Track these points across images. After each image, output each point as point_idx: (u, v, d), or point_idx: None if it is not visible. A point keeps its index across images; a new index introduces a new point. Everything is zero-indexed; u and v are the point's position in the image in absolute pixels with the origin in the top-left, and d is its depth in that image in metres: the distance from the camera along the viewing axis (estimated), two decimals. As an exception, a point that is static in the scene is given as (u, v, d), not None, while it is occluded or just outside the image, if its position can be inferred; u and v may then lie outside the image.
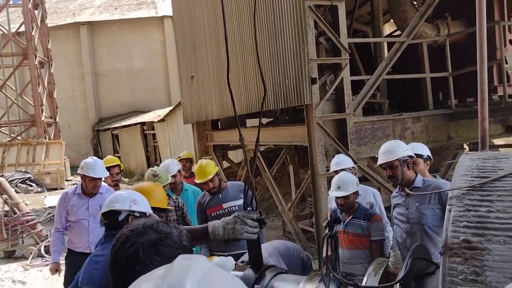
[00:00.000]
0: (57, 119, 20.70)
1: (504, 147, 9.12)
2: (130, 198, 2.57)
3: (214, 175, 4.52)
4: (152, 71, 26.38)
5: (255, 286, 2.50)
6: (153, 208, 2.86)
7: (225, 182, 4.83)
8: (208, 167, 4.56)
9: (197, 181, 4.59)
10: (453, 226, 1.60)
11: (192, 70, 10.22)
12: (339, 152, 6.06)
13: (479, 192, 1.68)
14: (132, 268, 0.92)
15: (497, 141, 9.26)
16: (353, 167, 4.80)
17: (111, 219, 2.52)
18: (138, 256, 1.25)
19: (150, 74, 26.25)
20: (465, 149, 8.69)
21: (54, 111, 20.67)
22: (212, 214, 4.43)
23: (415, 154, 3.55)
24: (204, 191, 4.72)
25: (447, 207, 1.68)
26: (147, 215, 2.64)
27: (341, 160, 4.65)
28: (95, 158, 4.76)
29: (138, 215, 2.57)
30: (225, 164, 10.97)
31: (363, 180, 5.65)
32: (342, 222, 3.85)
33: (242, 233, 2.40)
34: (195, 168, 4.76)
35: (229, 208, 4.51)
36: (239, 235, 2.39)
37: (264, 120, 10.41)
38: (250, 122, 10.18)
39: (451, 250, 1.55)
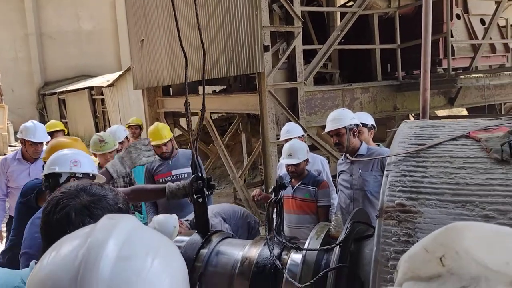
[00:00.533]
0: (-1, 82, 19.59)
1: (446, 118, 9.54)
2: (71, 159, 2.49)
3: (169, 140, 4.48)
4: (101, 34, 25.31)
5: (201, 250, 2.53)
6: None
7: (177, 149, 4.77)
8: (164, 130, 4.49)
9: (152, 143, 4.51)
10: (389, 190, 1.67)
11: (143, 34, 9.88)
12: (290, 121, 6.13)
13: (415, 159, 1.75)
14: (64, 231, 0.90)
15: (440, 112, 9.66)
16: (302, 135, 4.89)
17: (52, 181, 2.45)
18: (70, 219, 1.22)
19: (99, 37, 25.17)
20: (409, 119, 9.02)
21: (-5, 73, 19.52)
22: (161, 180, 4.37)
23: (360, 123, 3.66)
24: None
25: (385, 172, 1.75)
26: (91, 175, 2.58)
27: (291, 129, 4.71)
28: (35, 122, 4.56)
29: (80, 176, 2.50)
30: (177, 131, 10.84)
31: (312, 148, 5.76)
32: (290, 188, 3.95)
33: (141, 158, 2.60)
34: (150, 129, 4.64)
35: (178, 175, 4.45)
36: (138, 162, 2.62)
37: (217, 88, 10.32)
38: (201, 89, 10.04)
39: (387, 213, 1.62)
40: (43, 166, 3.04)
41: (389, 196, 1.65)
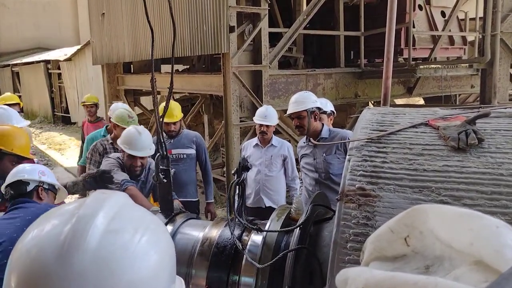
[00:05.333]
0: None
1: (404, 106, 9.80)
2: (39, 169, 2.54)
3: (180, 120, 4.56)
4: (58, 5, 24.23)
5: (163, 231, 2.52)
6: (14, 155, 2.80)
7: (183, 129, 4.74)
8: (176, 109, 4.54)
9: (165, 120, 4.41)
10: (350, 174, 1.70)
11: (104, 7, 9.55)
12: (254, 104, 6.12)
13: (376, 144, 1.79)
14: None
15: (399, 101, 9.92)
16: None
17: (17, 189, 2.44)
18: None
19: (56, 8, 24.11)
20: (370, 106, 9.22)
21: None
22: None
23: None
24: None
25: (347, 157, 1.78)
26: (56, 188, 2.59)
27: (270, 115, 4.44)
28: None
29: (47, 187, 2.52)
30: (137, 110, 10.62)
31: (275, 132, 5.80)
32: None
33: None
34: (162, 106, 4.55)
35: (177, 155, 4.51)
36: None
37: (180, 67, 10.14)
38: (165, 67, 9.86)
39: (347, 196, 1.66)
40: None
41: (350, 180, 1.68)
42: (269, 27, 6.33)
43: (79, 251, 0.66)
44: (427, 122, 1.87)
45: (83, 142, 5.89)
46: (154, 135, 5.99)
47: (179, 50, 7.00)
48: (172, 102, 4.65)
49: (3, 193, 2.51)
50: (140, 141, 3.60)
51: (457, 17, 8.47)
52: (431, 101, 9.02)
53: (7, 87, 21.96)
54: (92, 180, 2.69)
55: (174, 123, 4.49)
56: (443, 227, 0.45)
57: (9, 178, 2.48)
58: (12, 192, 2.45)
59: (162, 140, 2.66)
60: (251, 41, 6.18)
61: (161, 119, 2.67)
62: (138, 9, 7.91)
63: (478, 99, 7.90)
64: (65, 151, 13.22)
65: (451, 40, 8.54)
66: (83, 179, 2.70)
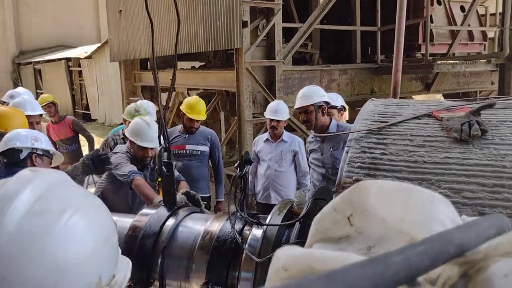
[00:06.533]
0: (-29, 48, 18.93)
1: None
2: (31, 136, 2.48)
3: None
4: (80, 3, 24.58)
5: (166, 224, 2.51)
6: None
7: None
8: (203, 108, 4.60)
9: (189, 115, 4.47)
10: (348, 166, 1.66)
11: (121, 4, 9.63)
12: (267, 100, 6.08)
13: (376, 136, 1.74)
14: None
15: (417, 98, 9.74)
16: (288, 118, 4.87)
17: (11, 157, 2.40)
18: None
19: (78, 7, 24.45)
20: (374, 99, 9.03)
21: (-33, 39, 18.85)
22: (174, 152, 4.37)
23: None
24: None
25: (345, 148, 1.73)
26: (51, 153, 2.56)
27: (281, 110, 4.42)
28: (24, 88, 4.43)
29: (41, 153, 2.48)
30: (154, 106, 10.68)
31: (289, 129, 5.74)
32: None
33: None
34: (190, 100, 4.61)
35: (191, 151, 4.51)
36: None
37: (196, 64, 10.16)
38: (182, 64, 9.90)
39: (343, 189, 1.61)
40: None
41: (348, 172, 1.64)
42: (284, 21, 6.28)
43: None
44: (431, 113, 1.81)
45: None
46: (169, 127, 6.02)
47: (193, 46, 7.00)
48: (200, 100, 4.68)
49: None
50: (149, 132, 3.61)
51: (477, 11, 8.27)
52: (451, 98, 8.83)
53: (30, 84, 22.40)
54: (90, 162, 2.67)
55: (198, 121, 4.50)
56: (381, 203, 0.41)
57: (2, 146, 2.45)
58: (5, 160, 2.41)
59: (165, 133, 2.66)
60: (265, 36, 6.14)
61: (164, 110, 2.67)
62: (154, 5, 7.94)
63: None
64: (84, 148, 13.38)
65: (471, 36, 8.33)
66: (82, 162, 2.70)
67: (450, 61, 7.03)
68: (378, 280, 0.25)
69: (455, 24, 8.07)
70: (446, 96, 9.60)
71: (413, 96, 8.96)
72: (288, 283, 0.23)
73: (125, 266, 0.76)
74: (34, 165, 2.42)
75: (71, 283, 0.63)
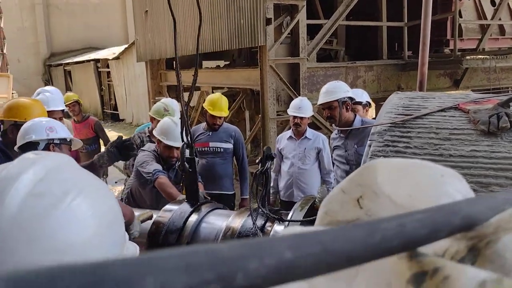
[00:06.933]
0: (5, 51, 19.51)
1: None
2: (46, 126, 2.47)
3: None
4: (108, 6, 25.04)
5: (189, 219, 2.52)
6: None
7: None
8: (226, 105, 4.62)
9: (211, 112, 4.50)
10: (370, 160, 1.62)
11: (147, 5, 9.75)
12: (291, 97, 6.04)
13: (400, 129, 1.69)
14: None
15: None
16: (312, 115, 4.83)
17: (29, 150, 2.41)
18: None
19: (106, 9, 24.93)
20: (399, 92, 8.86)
21: (2, 42, 19.44)
22: (198, 149, 4.40)
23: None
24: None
25: (368, 142, 1.69)
26: (68, 140, 2.56)
27: (305, 107, 4.37)
28: (57, 90, 4.49)
29: (58, 142, 2.49)
30: (180, 106, 10.77)
31: (314, 128, 5.69)
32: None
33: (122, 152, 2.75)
34: (213, 98, 4.62)
35: (214, 148, 4.53)
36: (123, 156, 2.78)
37: (221, 63, 10.20)
38: (207, 63, 9.95)
39: (365, 183, 1.57)
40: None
41: (370, 166, 1.60)
42: (309, 18, 6.23)
43: None
44: (457, 105, 1.75)
45: None
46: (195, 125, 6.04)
47: (217, 45, 7.03)
48: (222, 97, 4.67)
49: None
50: (176, 132, 3.62)
51: (508, 5, 8.02)
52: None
53: (60, 85, 22.95)
54: (115, 149, 2.68)
55: (220, 117, 4.51)
56: (389, 181, 0.39)
57: (19, 140, 2.44)
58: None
59: (187, 130, 2.66)
60: (289, 33, 6.10)
61: (186, 107, 2.68)
62: (179, 5, 8.01)
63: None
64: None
65: (502, 30, 8.08)
66: (106, 150, 2.70)
67: (480, 56, 6.83)
68: (361, 243, 0.23)
69: (485, 18, 7.84)
70: (476, 93, 9.35)
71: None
72: (257, 239, 0.21)
73: (132, 252, 0.75)
74: None
75: None
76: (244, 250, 0.18)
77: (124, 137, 2.81)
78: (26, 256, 0.60)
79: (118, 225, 0.74)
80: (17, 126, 2.76)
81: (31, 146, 2.39)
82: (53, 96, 4.22)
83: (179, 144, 3.59)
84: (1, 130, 2.98)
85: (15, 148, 2.46)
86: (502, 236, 0.28)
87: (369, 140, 1.68)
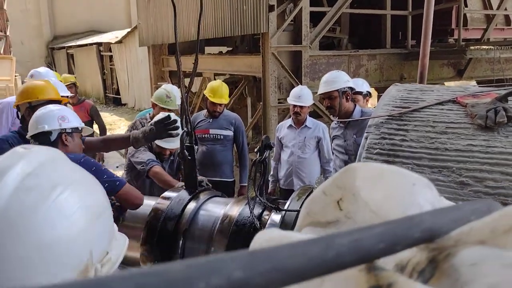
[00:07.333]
0: (8, 33, 19.40)
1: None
2: (58, 115, 2.46)
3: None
4: (111, -12, 24.91)
5: (188, 207, 2.54)
6: (48, 101, 2.84)
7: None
8: (226, 92, 4.59)
9: (211, 99, 4.49)
10: (366, 152, 1.62)
11: (150, -11, 9.68)
12: (293, 85, 6.02)
13: (397, 122, 1.69)
14: None
15: (449, 84, 9.46)
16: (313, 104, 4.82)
17: (42, 141, 2.39)
18: None
19: (109, -8, 24.80)
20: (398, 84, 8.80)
21: (5, 24, 19.31)
22: (198, 136, 4.41)
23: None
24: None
25: (365, 134, 1.70)
26: (80, 129, 2.57)
27: (304, 95, 4.34)
28: (47, 68, 4.50)
29: (70, 131, 2.49)
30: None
31: (315, 116, 5.68)
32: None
33: (165, 131, 2.74)
34: (213, 85, 4.61)
35: (215, 135, 4.54)
36: (164, 135, 2.76)
37: (224, 49, 10.16)
38: (209, 49, 9.90)
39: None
40: (17, 114, 3.03)
41: (366, 159, 1.60)
42: (313, 5, 6.18)
43: None
44: (455, 99, 1.75)
45: None
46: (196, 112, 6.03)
47: (219, 31, 6.99)
48: (222, 84, 4.67)
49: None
50: None
51: (515, -6, 7.92)
52: (485, 85, 8.54)
53: (63, 68, 22.92)
54: (158, 126, 2.74)
55: (221, 105, 4.50)
56: (365, 186, 0.39)
57: (31, 129, 2.44)
58: (37, 142, 2.40)
59: (187, 118, 2.67)
60: (292, 21, 6.05)
61: (186, 95, 2.68)
62: (182, -10, 7.95)
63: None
64: (115, 131, 13.66)
65: (507, 20, 8.00)
66: (143, 135, 2.75)
67: (484, 47, 6.78)
68: (315, 259, 0.23)
69: (491, 8, 7.76)
70: (480, 83, 9.30)
71: (445, 83, 8.72)
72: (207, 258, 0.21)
73: (121, 243, 0.76)
74: (65, 145, 2.43)
75: (59, 260, 0.63)
76: (192, 271, 0.19)
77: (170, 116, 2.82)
78: (13, 251, 0.60)
79: (106, 218, 0.75)
80: (32, 108, 2.81)
81: (44, 135, 2.40)
82: (56, 82, 4.23)
83: (170, 145, 3.57)
84: (19, 116, 2.98)
85: (27, 136, 2.47)
86: (460, 250, 0.28)
87: (366, 132, 1.69)
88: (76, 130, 2.54)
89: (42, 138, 2.40)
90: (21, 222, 0.62)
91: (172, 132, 2.79)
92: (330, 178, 0.45)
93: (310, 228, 0.45)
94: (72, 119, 2.52)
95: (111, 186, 2.30)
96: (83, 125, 2.64)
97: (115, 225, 0.76)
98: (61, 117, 2.47)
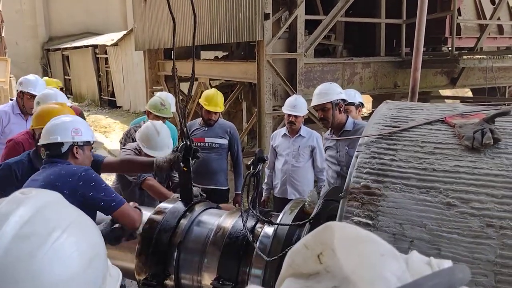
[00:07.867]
0: (3, 34, 19.35)
1: (449, 98, 9.43)
2: (72, 128, 2.46)
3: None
4: (107, -10, 24.88)
5: (183, 219, 2.56)
6: None
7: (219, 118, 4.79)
8: (221, 101, 4.63)
9: (206, 107, 4.52)
10: (356, 172, 1.66)
11: (146, -6, 9.70)
12: (288, 92, 6.06)
13: (387, 141, 1.73)
14: None
15: (443, 93, 9.54)
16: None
17: (53, 151, 2.41)
18: None
19: (105, -6, 24.78)
20: (388, 101, 8.85)
21: (0, 24, 19.26)
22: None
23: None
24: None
25: (355, 153, 1.73)
26: (91, 143, 2.58)
27: (299, 105, 4.34)
28: (37, 76, 4.52)
29: (82, 144, 2.50)
30: (177, 95, 10.77)
31: (309, 121, 5.72)
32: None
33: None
34: (208, 93, 4.65)
35: (210, 144, 4.56)
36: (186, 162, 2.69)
37: (219, 54, 10.19)
38: (205, 54, 9.94)
39: (351, 194, 1.61)
40: (33, 135, 3.04)
41: (356, 178, 1.64)
42: (308, 13, 6.23)
43: None
44: (444, 119, 1.79)
45: None
46: (192, 119, 6.05)
47: (215, 37, 7.02)
48: (217, 92, 4.69)
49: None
50: (158, 140, 3.56)
51: (508, 4, 8.02)
52: (479, 93, 8.62)
53: (58, 70, 22.87)
54: (177, 165, 2.69)
55: (215, 113, 4.53)
56: (341, 248, 0.43)
57: (43, 138, 2.44)
58: (48, 152, 2.42)
59: (185, 131, 2.67)
60: (287, 28, 6.10)
61: (184, 108, 2.70)
62: (178, -5, 7.98)
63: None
64: (109, 134, 13.64)
65: (500, 29, 8.09)
66: (168, 164, 2.70)
67: (477, 56, 6.85)
68: None
69: (484, 18, 7.85)
70: (473, 91, 9.37)
71: (439, 91, 8.78)
72: None
73: (114, 279, 0.79)
74: (75, 158, 2.44)
75: None
76: None
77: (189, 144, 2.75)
78: None
79: (101, 259, 0.78)
80: None
81: (55, 146, 2.40)
82: (56, 91, 4.26)
83: (158, 153, 3.52)
84: (36, 138, 2.94)
85: (39, 143, 2.47)
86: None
87: (357, 151, 1.72)
88: (87, 143, 2.54)
89: (53, 149, 2.42)
90: (19, 269, 0.65)
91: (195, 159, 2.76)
92: (312, 232, 0.48)
93: (292, 279, 0.49)
94: (85, 132, 2.51)
95: (106, 205, 2.32)
96: (95, 138, 2.64)
97: (108, 260, 0.79)
98: (74, 129, 2.46)
